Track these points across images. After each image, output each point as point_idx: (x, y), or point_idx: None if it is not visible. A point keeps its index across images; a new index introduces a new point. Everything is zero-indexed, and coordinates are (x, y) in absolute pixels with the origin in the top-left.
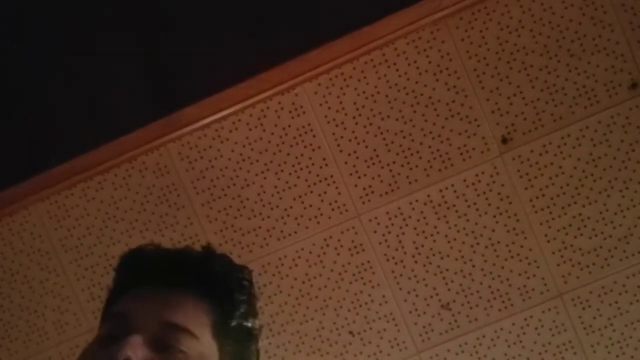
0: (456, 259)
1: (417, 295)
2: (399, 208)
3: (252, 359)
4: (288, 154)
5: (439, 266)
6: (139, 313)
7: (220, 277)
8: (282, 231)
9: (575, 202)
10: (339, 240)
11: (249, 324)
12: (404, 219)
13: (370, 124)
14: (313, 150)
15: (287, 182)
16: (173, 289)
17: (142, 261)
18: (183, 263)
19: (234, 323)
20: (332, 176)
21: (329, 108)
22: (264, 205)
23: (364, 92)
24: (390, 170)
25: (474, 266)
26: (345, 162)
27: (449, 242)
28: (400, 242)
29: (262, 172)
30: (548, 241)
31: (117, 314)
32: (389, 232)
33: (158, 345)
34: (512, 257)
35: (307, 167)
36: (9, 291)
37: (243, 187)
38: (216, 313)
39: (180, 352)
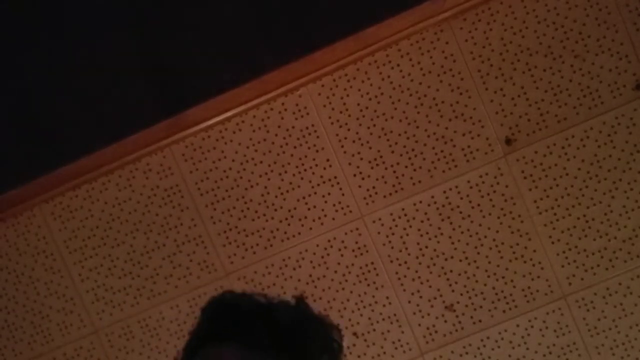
0: (460, 260)
1: (420, 297)
2: (403, 209)
3: None
4: (292, 155)
5: (442, 267)
6: None
7: (315, 350)
8: (285, 232)
9: (579, 204)
10: (342, 242)
11: None
12: (408, 220)
13: (374, 125)
14: (317, 151)
15: (290, 183)
16: (265, 354)
17: (235, 315)
18: (278, 326)
19: None
20: (335, 177)
21: (333, 109)
22: (267, 207)
23: (367, 93)
24: (394, 172)
25: (477, 267)
26: (349, 163)
27: (452, 243)
28: (404, 243)
29: (266, 173)
30: (552, 242)
31: None
32: (393, 234)
33: None
34: (516, 258)
35: (311, 168)
36: (13, 292)
37: (247, 188)
38: None
39: None
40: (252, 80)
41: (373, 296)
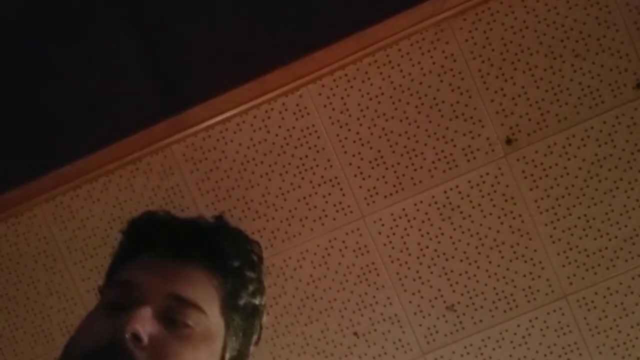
0: (461, 260)
1: (421, 297)
2: (404, 209)
3: (256, 334)
4: (292, 155)
5: (443, 267)
6: (148, 283)
7: (232, 253)
8: (286, 232)
9: (580, 203)
10: (343, 242)
11: (257, 302)
12: (409, 220)
13: (375, 125)
14: (317, 151)
15: (291, 184)
16: (183, 261)
17: (153, 227)
18: (195, 234)
19: (242, 301)
20: (336, 177)
21: (333, 109)
22: (268, 207)
23: (367, 93)
24: (395, 172)
25: (478, 267)
26: (350, 164)
27: (453, 243)
28: (404, 243)
29: (267, 174)
30: (553, 242)
31: (125, 282)
32: (394, 234)
33: (165, 318)
34: (516, 258)
35: (312, 168)
36: (14, 292)
37: (247, 189)
38: (225, 289)
39: (187, 326)
40: (252, 80)
41: (374, 296)
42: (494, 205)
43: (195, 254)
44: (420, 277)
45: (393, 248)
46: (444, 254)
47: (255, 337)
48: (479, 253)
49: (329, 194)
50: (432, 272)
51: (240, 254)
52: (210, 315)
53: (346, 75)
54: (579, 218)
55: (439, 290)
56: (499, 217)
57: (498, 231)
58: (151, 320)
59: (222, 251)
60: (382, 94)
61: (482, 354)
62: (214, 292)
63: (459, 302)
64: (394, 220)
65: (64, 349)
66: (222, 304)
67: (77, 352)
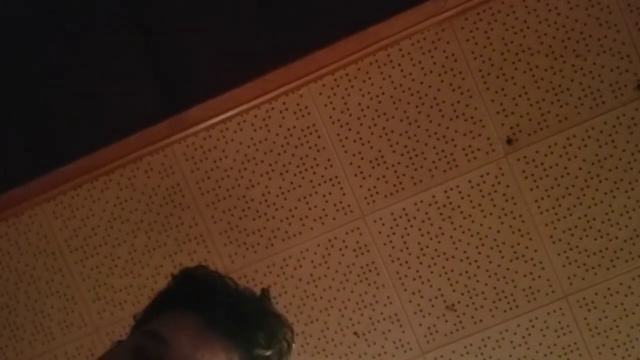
0: (461, 260)
1: (421, 296)
2: (404, 209)
3: None
4: (293, 155)
5: (443, 267)
6: (177, 346)
7: (265, 342)
8: (286, 232)
9: (580, 203)
10: (343, 241)
11: None
12: (409, 220)
13: (375, 125)
14: (318, 151)
15: (291, 183)
16: (216, 333)
17: (201, 288)
18: (238, 311)
19: None
20: (336, 177)
21: (334, 109)
22: (268, 206)
23: (368, 93)
24: (395, 171)
25: (478, 267)
26: (350, 163)
27: (453, 243)
28: (405, 243)
29: (267, 173)
30: (553, 242)
31: (159, 337)
32: (394, 233)
33: None
34: (517, 258)
35: (312, 167)
36: (14, 291)
37: (248, 188)
38: None
39: None
40: (253, 79)
41: (374, 296)
42: (494, 205)
43: (231, 331)
44: (420, 277)
45: (393, 247)
46: (444, 253)
47: None
48: (479, 253)
49: (329, 194)
50: (432, 272)
51: (273, 344)
52: None
53: (347, 74)
54: (579, 218)
55: (439, 289)
56: (500, 217)
57: (498, 231)
58: None
59: (257, 339)
60: (383, 93)
61: (482, 354)
62: None
63: (459, 302)
64: (394, 219)
65: None
66: None
67: None
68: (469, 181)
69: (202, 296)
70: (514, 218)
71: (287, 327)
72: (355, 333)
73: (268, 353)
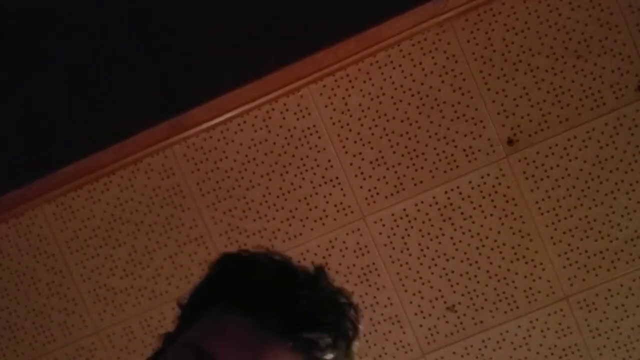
0: (461, 261)
1: (422, 298)
2: (404, 210)
3: None
4: (293, 156)
5: (444, 268)
6: (224, 356)
7: (331, 340)
8: (287, 233)
9: (581, 205)
10: (344, 242)
11: None
12: (409, 221)
13: (376, 126)
14: (318, 151)
15: (292, 184)
16: (266, 332)
17: (249, 285)
18: (295, 310)
19: None
20: (337, 178)
21: (334, 109)
22: (269, 207)
23: (369, 94)
24: (396, 172)
25: (479, 268)
26: (351, 164)
27: (454, 244)
28: (405, 243)
29: (267, 174)
30: (554, 243)
31: (205, 354)
32: (394, 234)
33: None
34: (517, 259)
35: (312, 168)
36: (15, 293)
37: (248, 189)
38: None
39: None
40: (253, 80)
41: (374, 297)
42: (494, 206)
43: (288, 332)
44: (420, 278)
45: (394, 248)
46: (444, 254)
47: None
48: (480, 254)
49: (330, 194)
50: (432, 273)
51: (338, 343)
52: None
53: (347, 75)
54: (580, 219)
55: (440, 290)
56: (500, 218)
57: (499, 232)
58: None
59: (318, 341)
60: (384, 94)
61: (482, 355)
62: None
63: (459, 303)
64: (395, 220)
65: None
66: None
67: None
68: (470, 182)
69: (248, 292)
70: (515, 219)
71: (351, 306)
72: None
73: (332, 356)
